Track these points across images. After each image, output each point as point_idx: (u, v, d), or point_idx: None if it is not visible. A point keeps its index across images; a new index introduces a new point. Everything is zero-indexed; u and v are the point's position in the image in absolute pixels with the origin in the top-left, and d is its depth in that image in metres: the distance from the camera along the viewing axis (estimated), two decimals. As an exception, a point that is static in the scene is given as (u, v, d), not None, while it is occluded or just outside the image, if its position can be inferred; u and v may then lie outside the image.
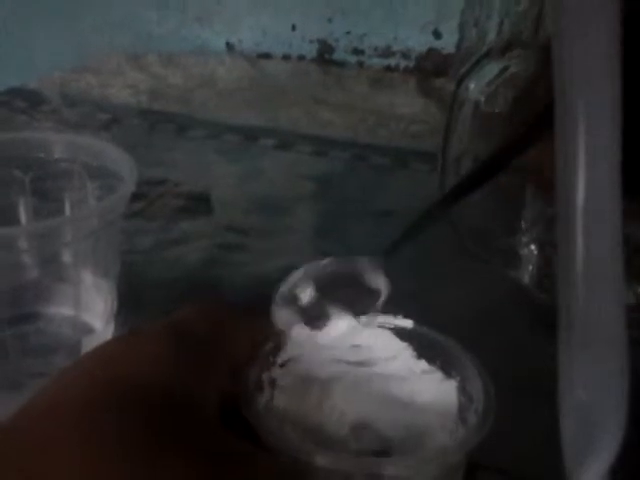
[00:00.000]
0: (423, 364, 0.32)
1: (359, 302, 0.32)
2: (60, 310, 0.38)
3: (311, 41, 1.04)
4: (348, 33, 1.02)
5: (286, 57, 1.06)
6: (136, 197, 0.35)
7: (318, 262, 0.33)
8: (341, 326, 0.32)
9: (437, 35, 0.97)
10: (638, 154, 0.20)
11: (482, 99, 0.44)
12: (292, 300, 0.32)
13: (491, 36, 0.76)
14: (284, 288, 0.33)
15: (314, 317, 0.32)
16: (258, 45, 1.07)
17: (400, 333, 0.32)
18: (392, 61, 1.01)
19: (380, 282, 0.32)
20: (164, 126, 0.82)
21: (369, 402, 0.31)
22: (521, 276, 0.48)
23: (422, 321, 0.32)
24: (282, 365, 0.31)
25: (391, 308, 0.33)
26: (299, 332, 0.32)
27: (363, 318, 0.32)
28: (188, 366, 0.27)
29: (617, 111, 0.18)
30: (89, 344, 0.36)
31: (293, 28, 1.04)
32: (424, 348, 0.32)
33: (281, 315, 0.32)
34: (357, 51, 1.02)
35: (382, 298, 0.32)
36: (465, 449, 0.27)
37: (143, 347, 0.27)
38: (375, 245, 0.56)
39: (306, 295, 0.32)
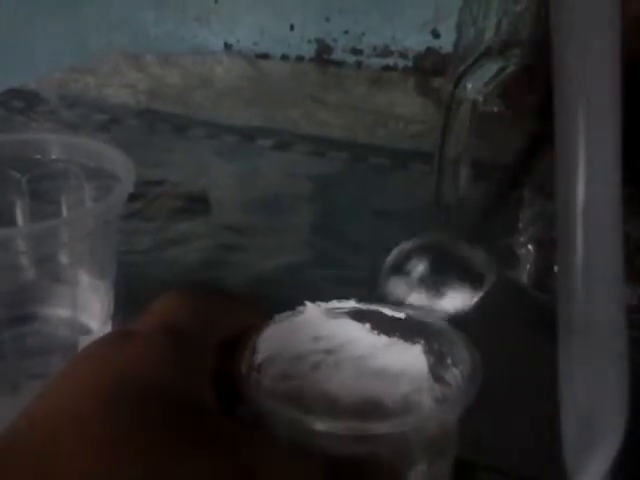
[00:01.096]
0: (384, 339, 0.32)
1: (465, 285, 0.32)
2: (57, 311, 0.38)
3: (309, 41, 1.04)
4: (346, 33, 1.02)
5: (284, 57, 1.06)
6: (134, 197, 0.35)
7: (424, 240, 0.32)
8: (457, 302, 0.32)
9: (435, 34, 0.97)
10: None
11: (480, 99, 0.44)
12: (403, 272, 0.32)
13: (489, 35, 0.76)
14: (392, 260, 0.32)
15: (426, 290, 0.32)
16: (256, 45, 1.07)
17: (353, 315, 0.32)
18: (390, 61, 1.01)
19: (485, 268, 0.32)
20: (162, 126, 0.82)
21: (348, 386, 0.31)
22: (519, 276, 0.48)
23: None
24: (258, 369, 0.31)
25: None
26: (415, 299, 0.31)
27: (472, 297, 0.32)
28: (185, 362, 0.26)
29: (617, 109, 0.18)
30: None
31: (291, 28, 1.04)
32: (380, 324, 0.32)
33: (394, 284, 0.32)
34: (355, 51, 1.02)
35: (488, 283, 0.32)
36: (459, 404, 0.27)
37: (139, 347, 0.26)
38: (374, 245, 0.56)
39: (418, 269, 0.32)
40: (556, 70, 0.19)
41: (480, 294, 0.32)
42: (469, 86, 0.45)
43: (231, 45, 1.08)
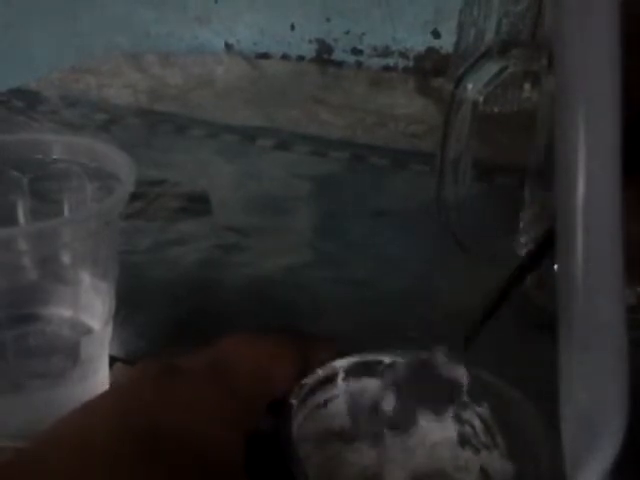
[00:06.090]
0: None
1: (441, 398, 0.31)
2: (59, 311, 0.38)
3: (310, 41, 1.04)
4: (347, 33, 1.02)
5: (285, 57, 1.06)
6: (135, 197, 0.35)
7: (393, 367, 0.31)
8: (432, 431, 0.31)
9: (436, 35, 0.97)
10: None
11: (480, 99, 0.44)
12: (376, 412, 0.31)
13: (489, 36, 0.76)
14: (365, 401, 0.31)
15: (401, 424, 0.31)
16: (257, 45, 1.07)
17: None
18: (391, 61, 1.01)
19: (458, 373, 0.31)
20: (163, 126, 0.82)
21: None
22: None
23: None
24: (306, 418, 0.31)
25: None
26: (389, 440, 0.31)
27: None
28: (224, 414, 0.26)
29: (617, 109, 0.18)
30: (88, 345, 0.36)
31: (292, 28, 1.04)
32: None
33: (368, 430, 0.31)
34: (356, 51, 1.02)
35: (464, 390, 0.31)
36: None
37: (179, 391, 0.26)
38: (374, 245, 0.56)
39: (389, 404, 0.31)
40: (556, 70, 0.19)
41: (458, 403, 0.31)
42: (469, 86, 0.45)
43: (231, 45, 1.08)
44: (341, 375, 0.31)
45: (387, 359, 0.32)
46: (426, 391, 0.31)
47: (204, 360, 0.28)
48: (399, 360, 0.31)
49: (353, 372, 0.32)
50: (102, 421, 0.24)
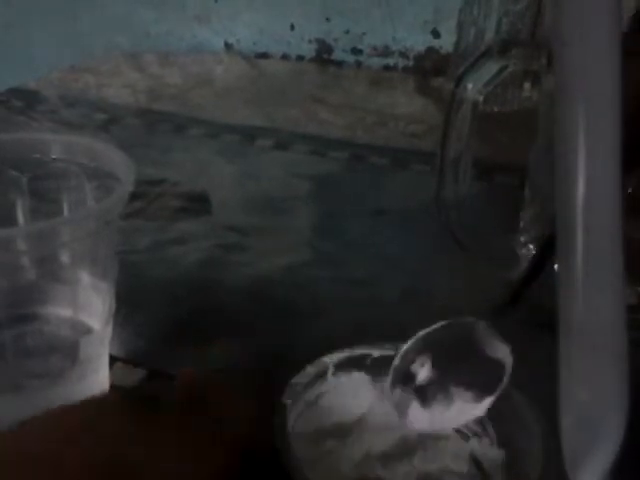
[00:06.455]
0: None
1: (481, 378, 0.30)
2: (58, 311, 0.38)
3: (309, 41, 1.04)
4: (347, 33, 1.02)
5: (284, 57, 1.06)
6: (134, 197, 0.35)
7: (432, 330, 0.30)
8: (464, 415, 0.30)
9: (436, 34, 0.97)
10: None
11: (480, 99, 0.44)
12: (408, 378, 0.30)
13: (489, 35, 0.76)
14: (399, 364, 0.30)
15: (433, 398, 0.30)
16: (256, 44, 1.07)
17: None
18: (391, 60, 1.01)
19: (502, 352, 0.29)
20: (162, 126, 0.82)
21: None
22: (519, 276, 0.48)
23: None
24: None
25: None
26: (416, 416, 0.30)
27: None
28: (200, 448, 0.26)
29: (617, 110, 0.18)
30: (87, 345, 0.36)
31: (291, 27, 1.04)
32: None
33: (395, 396, 0.30)
34: (356, 51, 1.02)
35: (507, 372, 0.29)
36: None
37: (155, 430, 0.26)
38: (373, 245, 0.56)
39: (423, 372, 0.30)
40: (556, 70, 0.19)
41: (495, 395, 0.29)
42: (469, 86, 0.45)
43: (231, 44, 1.08)
44: (331, 370, 0.32)
45: (375, 353, 0.32)
46: (467, 371, 0.30)
47: (182, 393, 0.28)
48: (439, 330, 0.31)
49: (343, 367, 0.32)
50: (73, 448, 0.24)
